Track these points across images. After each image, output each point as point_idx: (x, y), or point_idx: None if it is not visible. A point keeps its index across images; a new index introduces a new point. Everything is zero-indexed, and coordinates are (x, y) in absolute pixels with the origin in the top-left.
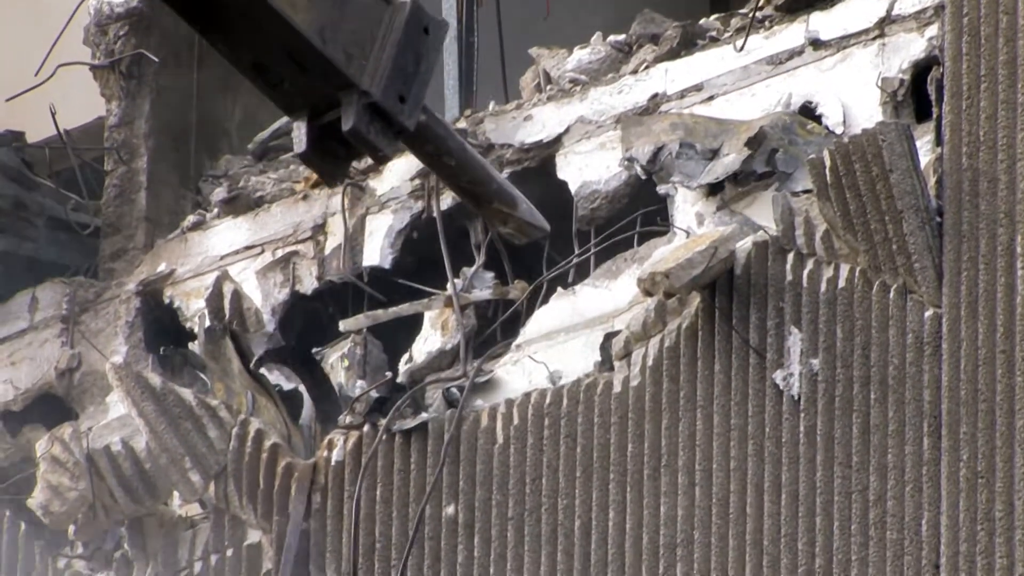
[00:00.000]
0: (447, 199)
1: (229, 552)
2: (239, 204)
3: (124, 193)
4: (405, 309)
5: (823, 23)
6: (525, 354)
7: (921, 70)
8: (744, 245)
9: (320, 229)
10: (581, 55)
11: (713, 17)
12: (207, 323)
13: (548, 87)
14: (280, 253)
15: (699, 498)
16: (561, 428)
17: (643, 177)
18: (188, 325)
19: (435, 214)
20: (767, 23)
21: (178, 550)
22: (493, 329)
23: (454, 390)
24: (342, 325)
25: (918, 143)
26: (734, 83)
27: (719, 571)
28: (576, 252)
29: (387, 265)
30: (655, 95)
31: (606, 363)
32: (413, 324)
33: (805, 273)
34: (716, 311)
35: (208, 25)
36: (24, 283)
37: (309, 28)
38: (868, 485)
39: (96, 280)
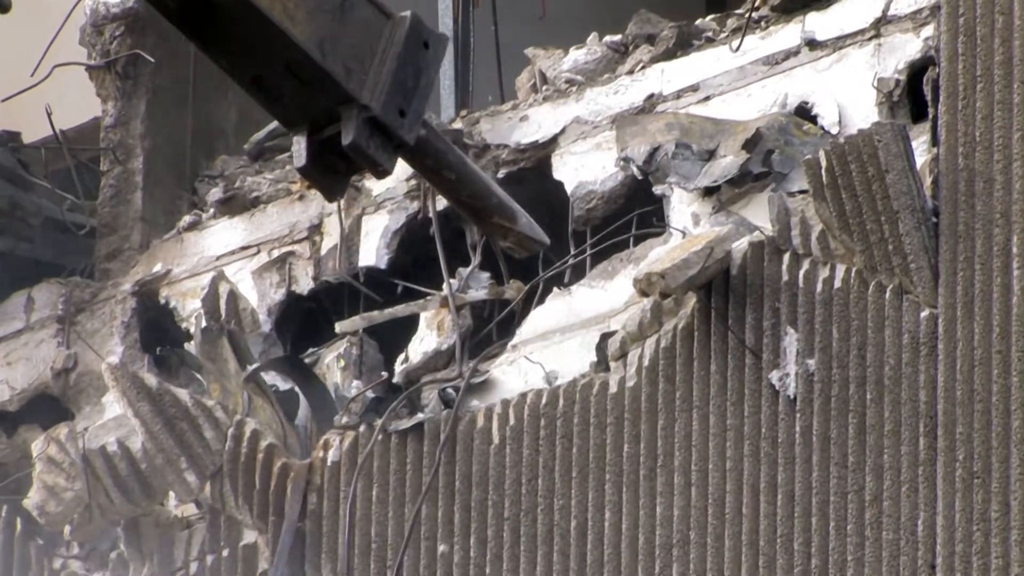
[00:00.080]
0: (443, 200)
1: (225, 552)
2: (235, 204)
3: (120, 193)
4: (401, 310)
5: (819, 23)
6: (521, 354)
7: (917, 70)
8: (740, 245)
9: (316, 229)
10: (577, 55)
11: (709, 18)
12: (203, 323)
13: (544, 87)
14: (276, 253)
15: (695, 498)
16: (557, 428)
17: (639, 177)
18: (184, 325)
19: (431, 214)
20: (763, 23)
21: (174, 550)
22: (489, 329)
23: (450, 390)
24: (338, 327)
25: (914, 143)
26: (730, 83)
27: (715, 571)
28: (572, 252)
29: (383, 265)
30: (651, 95)
31: (602, 363)
32: (409, 324)
33: (801, 273)
34: (712, 311)
35: (207, 39)
36: (20, 283)
37: (308, 42)
38: (864, 485)
39: (92, 280)
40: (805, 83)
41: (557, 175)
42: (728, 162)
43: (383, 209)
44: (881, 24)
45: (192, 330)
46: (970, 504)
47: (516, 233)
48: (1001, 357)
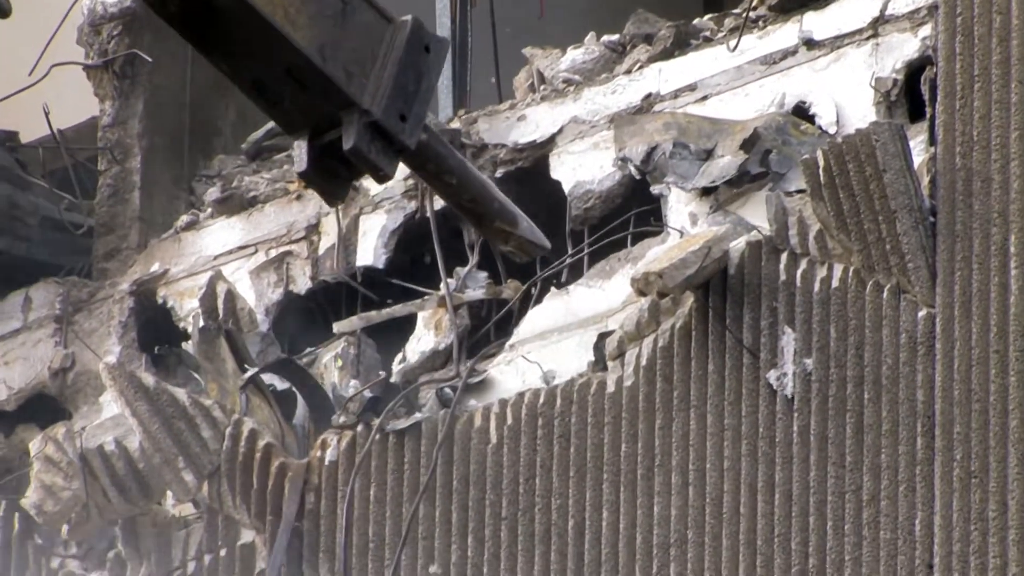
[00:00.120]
0: (440, 199)
1: (223, 552)
2: (233, 204)
3: (118, 193)
4: (399, 310)
5: (816, 23)
6: (518, 354)
7: (915, 70)
8: (738, 245)
9: (314, 229)
10: (575, 55)
11: (707, 17)
12: (201, 323)
13: (542, 87)
14: (274, 253)
15: (693, 498)
16: (555, 428)
17: (637, 177)
18: (181, 325)
19: (428, 214)
20: (760, 23)
21: (172, 550)
22: (486, 329)
23: (447, 390)
24: (336, 327)
25: (912, 143)
26: (728, 83)
27: (712, 571)
28: (570, 252)
29: (380, 265)
30: (649, 95)
31: (600, 363)
32: (407, 324)
33: (799, 273)
34: (710, 311)
35: (208, 43)
36: (18, 283)
37: (309, 46)
38: (862, 485)
39: (90, 280)
40: (803, 83)
41: (555, 175)
42: (726, 162)
43: (381, 209)
44: (879, 24)
45: (190, 329)
46: (968, 504)
47: (517, 237)
48: (999, 357)
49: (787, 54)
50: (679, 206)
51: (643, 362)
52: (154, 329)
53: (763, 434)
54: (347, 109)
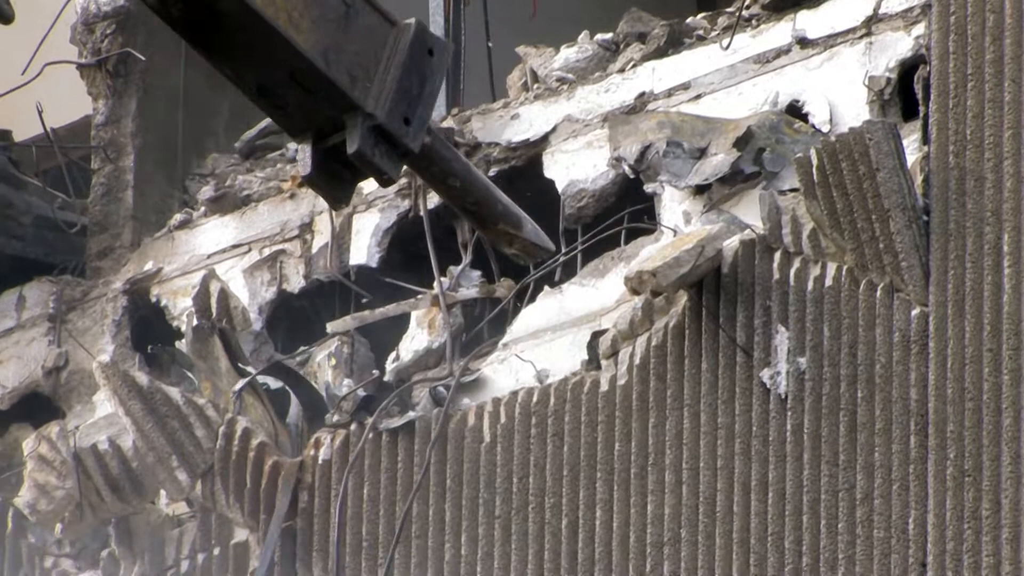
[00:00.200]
0: (434, 198)
1: (216, 551)
2: (226, 202)
3: (111, 192)
4: (392, 310)
5: (810, 22)
6: (512, 353)
7: (908, 69)
8: (731, 244)
9: (307, 228)
10: (568, 54)
11: (700, 16)
12: (194, 322)
13: (535, 86)
14: (267, 252)
15: (686, 496)
16: (548, 427)
17: (630, 176)
18: (175, 324)
19: (422, 213)
20: (754, 22)
21: (165, 549)
22: (480, 328)
23: (441, 389)
24: (329, 327)
25: (905, 142)
26: (721, 82)
27: (706, 569)
28: (563, 251)
29: (374, 264)
30: (642, 94)
31: (593, 362)
32: (400, 323)
33: (792, 272)
34: (703, 310)
35: (212, 47)
36: (11, 282)
37: (313, 51)
38: (855, 483)
39: (83, 279)
40: (796, 81)
41: (548, 173)
42: (719, 160)
43: (374, 207)
44: (872, 22)
45: (183, 328)
46: (961, 502)
47: (522, 240)
48: (992, 355)
49: (780, 53)
50: (672, 205)
51: (636, 361)
52: (148, 328)
53: (756, 433)
54: (351, 113)
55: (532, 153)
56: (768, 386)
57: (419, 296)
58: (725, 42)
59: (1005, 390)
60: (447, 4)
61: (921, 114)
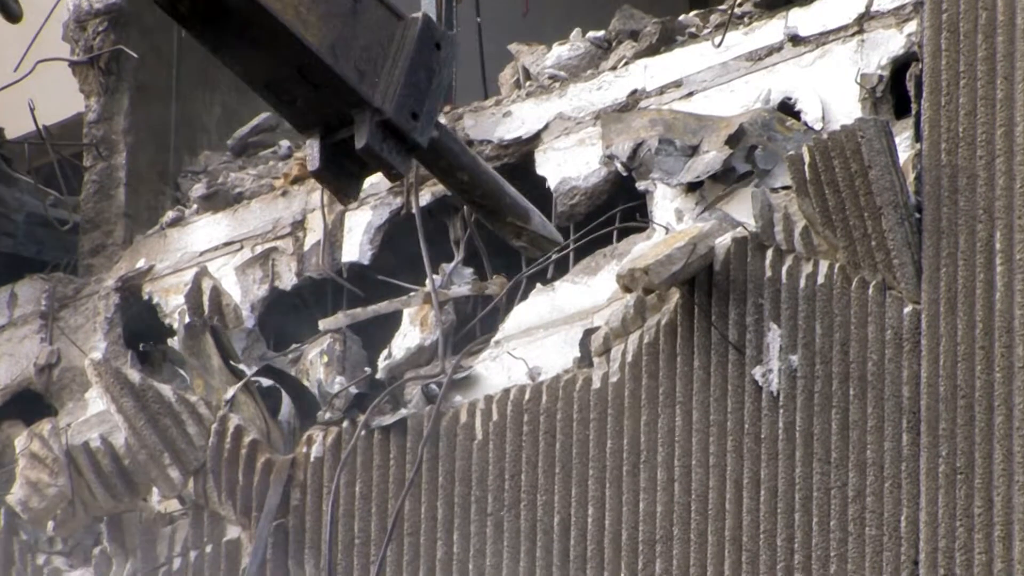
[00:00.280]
0: (426, 195)
1: (208, 548)
2: (218, 200)
3: (103, 189)
4: (384, 307)
5: (802, 19)
6: (504, 350)
7: (900, 66)
8: (723, 241)
9: (299, 225)
10: (560, 51)
11: (692, 13)
12: (186, 319)
13: (527, 83)
14: (259, 249)
15: (678, 494)
16: (540, 424)
17: (623, 173)
18: (167, 321)
19: (414, 210)
20: (746, 19)
21: (157, 546)
22: (472, 325)
23: (433, 386)
24: (321, 325)
25: (897, 139)
26: (713, 79)
27: (698, 567)
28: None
29: (366, 261)
30: (634, 91)
31: (585, 359)
32: (392, 320)
33: (784, 269)
34: (695, 307)
35: (219, 43)
36: (3, 279)
37: (321, 45)
38: (847, 481)
39: (75, 276)
40: (788, 79)
41: (540, 171)
42: (711, 158)
43: (366, 205)
44: (864, 20)
45: (175, 326)
46: (953, 500)
47: (530, 232)
48: (984, 353)
49: (773, 50)
50: (665, 202)
51: (628, 358)
52: (140, 325)
53: (748, 430)
54: (359, 107)
55: (524, 151)
56: (760, 384)
57: (411, 293)
58: (717, 39)
59: (997, 388)
60: (439, 1)
61: (913, 111)
